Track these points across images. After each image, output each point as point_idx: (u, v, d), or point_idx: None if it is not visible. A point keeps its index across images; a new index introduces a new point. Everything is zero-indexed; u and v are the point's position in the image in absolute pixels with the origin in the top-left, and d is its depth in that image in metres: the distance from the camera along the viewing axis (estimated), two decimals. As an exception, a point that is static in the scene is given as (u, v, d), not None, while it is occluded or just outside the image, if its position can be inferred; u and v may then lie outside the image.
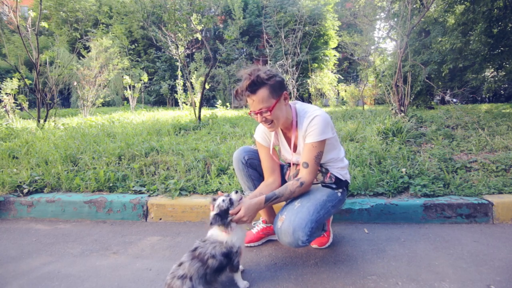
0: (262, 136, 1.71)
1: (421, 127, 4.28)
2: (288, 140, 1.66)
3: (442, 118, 4.85)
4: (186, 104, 8.54)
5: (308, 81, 12.07)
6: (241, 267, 1.51)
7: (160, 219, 2.31)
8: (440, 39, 7.68)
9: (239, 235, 1.41)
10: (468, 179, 2.47)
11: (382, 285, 1.42)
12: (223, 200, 1.41)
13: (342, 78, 15.66)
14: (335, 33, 17.43)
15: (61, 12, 18.81)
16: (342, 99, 12.58)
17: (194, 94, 7.05)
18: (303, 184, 1.51)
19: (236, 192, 1.44)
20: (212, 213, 1.40)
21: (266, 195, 1.47)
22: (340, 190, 1.66)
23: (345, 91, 11.94)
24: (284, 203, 1.58)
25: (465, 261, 1.60)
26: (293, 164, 1.68)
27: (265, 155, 1.70)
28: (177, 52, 5.65)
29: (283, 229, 1.43)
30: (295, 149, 1.63)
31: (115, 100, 15.92)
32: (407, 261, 1.62)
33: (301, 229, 1.39)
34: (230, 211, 1.40)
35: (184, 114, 6.82)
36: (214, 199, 1.45)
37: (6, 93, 6.51)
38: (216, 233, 1.40)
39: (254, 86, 1.43)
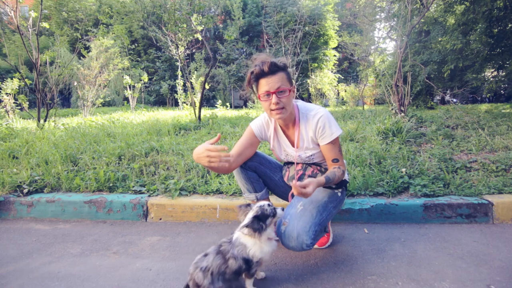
0: (260, 128, 1.67)
1: (421, 127, 4.28)
2: (288, 137, 1.66)
3: (442, 118, 4.85)
4: (186, 104, 8.54)
5: (308, 81, 12.08)
6: (262, 273, 1.50)
7: (160, 219, 2.31)
8: (440, 39, 7.68)
9: (264, 248, 1.32)
10: (468, 179, 2.46)
11: (382, 285, 1.42)
12: (269, 205, 1.37)
13: (342, 78, 15.66)
14: (335, 33, 17.44)
15: (62, 12, 18.82)
16: (342, 99, 12.59)
17: (194, 94, 7.05)
18: (344, 172, 1.55)
19: (283, 209, 1.40)
20: (250, 215, 1.34)
21: (325, 176, 1.45)
22: (340, 190, 1.66)
23: (345, 91, 11.95)
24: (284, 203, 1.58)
25: (465, 261, 1.60)
26: (296, 163, 1.68)
27: (247, 141, 1.66)
28: (177, 52, 5.66)
29: (287, 234, 1.43)
30: (297, 145, 1.63)
31: (115, 100, 15.94)
32: (407, 261, 1.62)
33: (305, 233, 1.39)
34: (299, 184, 1.30)
35: (184, 114, 6.82)
36: (248, 205, 1.41)
37: (6, 93, 6.53)
38: (242, 237, 1.33)
39: (274, 67, 1.43)
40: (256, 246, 1.30)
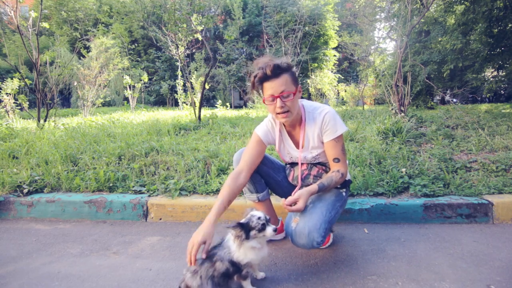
0: (267, 132, 1.66)
1: (421, 127, 4.28)
2: (293, 137, 1.66)
3: (442, 118, 4.85)
4: (186, 104, 8.54)
5: (308, 81, 12.07)
6: (262, 274, 1.49)
7: (160, 219, 2.31)
8: (440, 39, 7.69)
9: (247, 254, 1.29)
10: (468, 179, 2.46)
11: (382, 285, 1.42)
12: (259, 218, 1.30)
13: (342, 78, 15.66)
14: (335, 33, 17.44)
15: (62, 12, 18.82)
16: (342, 99, 12.58)
17: (194, 94, 7.05)
18: (343, 175, 1.55)
19: (275, 230, 1.33)
20: (243, 219, 1.33)
21: (318, 184, 1.47)
22: (344, 189, 1.67)
23: (345, 91, 11.95)
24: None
25: (465, 261, 1.60)
26: (301, 163, 1.67)
27: (257, 150, 1.64)
28: (177, 52, 5.66)
29: (297, 231, 1.42)
30: (302, 145, 1.62)
31: (115, 100, 15.94)
32: (407, 261, 1.62)
33: (316, 230, 1.39)
34: (287, 200, 1.38)
35: (184, 114, 6.82)
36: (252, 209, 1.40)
37: (6, 93, 6.53)
38: (231, 239, 1.32)
39: (278, 69, 1.41)
40: (240, 251, 1.28)
